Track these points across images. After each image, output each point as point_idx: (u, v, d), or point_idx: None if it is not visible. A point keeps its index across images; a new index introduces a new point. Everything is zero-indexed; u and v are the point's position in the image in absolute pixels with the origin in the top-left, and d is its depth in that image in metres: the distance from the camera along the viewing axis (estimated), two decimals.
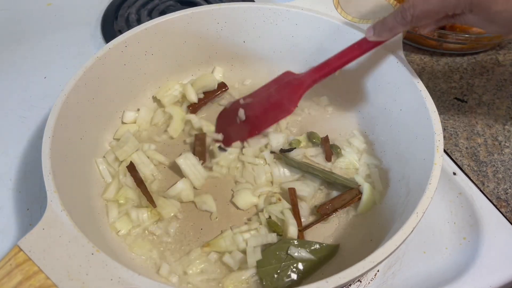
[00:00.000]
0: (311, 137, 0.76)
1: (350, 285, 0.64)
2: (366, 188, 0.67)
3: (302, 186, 0.69)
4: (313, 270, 0.61)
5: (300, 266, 0.60)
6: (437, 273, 0.65)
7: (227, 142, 0.75)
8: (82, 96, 0.67)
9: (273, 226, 0.64)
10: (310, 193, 0.69)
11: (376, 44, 0.69)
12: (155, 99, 0.81)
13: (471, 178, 0.75)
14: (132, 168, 0.70)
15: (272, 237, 0.63)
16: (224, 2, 1.04)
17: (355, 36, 0.74)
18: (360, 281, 0.64)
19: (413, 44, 0.98)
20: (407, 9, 0.60)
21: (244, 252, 0.62)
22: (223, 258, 0.61)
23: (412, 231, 0.51)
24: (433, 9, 0.58)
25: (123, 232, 0.64)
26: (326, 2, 0.78)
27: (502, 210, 0.72)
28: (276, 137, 0.75)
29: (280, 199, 0.68)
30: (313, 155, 0.74)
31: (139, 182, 0.68)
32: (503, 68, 0.95)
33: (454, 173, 0.74)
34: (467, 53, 0.97)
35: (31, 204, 0.72)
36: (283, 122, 0.78)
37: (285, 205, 0.67)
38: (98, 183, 0.69)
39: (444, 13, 0.59)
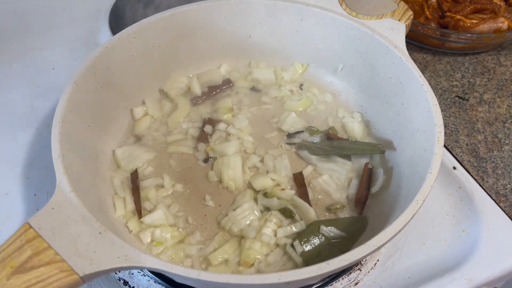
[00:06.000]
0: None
1: (350, 273, 0.65)
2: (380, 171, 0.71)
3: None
4: (351, 243, 0.63)
5: (336, 243, 0.62)
6: (436, 264, 0.66)
7: None
8: (91, 84, 0.68)
9: (286, 211, 0.66)
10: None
11: None
12: (161, 91, 0.82)
13: (471, 173, 0.76)
14: (134, 177, 0.70)
15: (299, 225, 0.65)
16: None
17: (359, 31, 0.75)
18: (360, 270, 0.65)
19: (416, 43, 1.00)
20: None
21: (276, 245, 0.63)
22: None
23: (412, 217, 0.52)
24: None
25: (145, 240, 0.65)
26: None
27: (501, 204, 0.73)
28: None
29: (283, 189, 0.69)
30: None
31: (135, 191, 0.69)
32: (504, 68, 0.96)
33: (454, 168, 0.76)
34: (469, 52, 0.98)
35: (38, 190, 0.73)
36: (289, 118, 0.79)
37: (291, 192, 0.68)
38: (104, 169, 0.71)
39: None
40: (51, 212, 0.51)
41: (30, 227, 0.49)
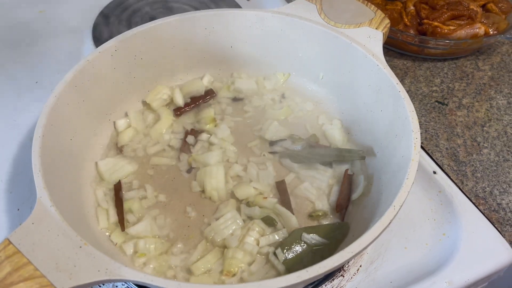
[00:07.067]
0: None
1: (333, 279, 0.65)
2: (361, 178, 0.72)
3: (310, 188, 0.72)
4: (333, 249, 0.63)
5: (318, 249, 0.63)
6: (418, 268, 0.67)
7: None
8: (72, 98, 0.69)
9: (268, 219, 0.66)
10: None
11: None
12: (144, 103, 0.83)
13: (451, 177, 0.77)
14: (118, 188, 0.71)
15: (282, 233, 0.65)
16: (212, 8, 1.08)
17: (338, 40, 0.77)
18: (343, 276, 0.66)
19: (396, 50, 1.02)
20: None
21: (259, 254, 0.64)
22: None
23: (389, 223, 0.53)
24: None
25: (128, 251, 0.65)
26: (310, 8, 0.81)
27: (480, 207, 0.74)
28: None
29: (265, 198, 0.69)
30: None
31: (118, 202, 0.69)
32: (482, 72, 0.98)
33: (435, 172, 0.77)
34: (447, 58, 1.00)
35: (21, 205, 0.73)
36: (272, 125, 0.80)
37: (273, 201, 0.69)
38: (88, 182, 0.71)
39: None
40: (31, 227, 0.51)
41: (10, 243, 0.49)
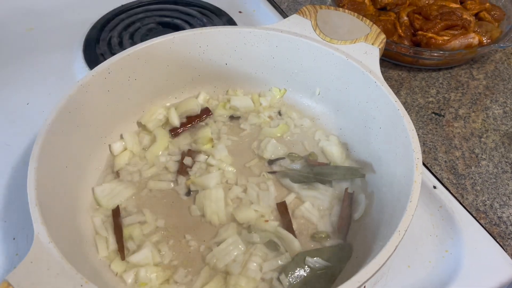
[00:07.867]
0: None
1: None
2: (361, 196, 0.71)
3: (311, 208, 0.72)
4: (337, 272, 0.62)
5: (322, 273, 0.62)
6: (422, 286, 0.66)
7: None
8: (66, 124, 0.67)
9: (271, 244, 0.66)
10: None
11: None
12: (139, 124, 0.81)
13: (451, 191, 0.77)
14: (116, 214, 0.70)
15: (285, 257, 0.65)
16: (205, 21, 1.06)
17: (334, 57, 0.76)
18: None
19: (391, 61, 1.01)
20: None
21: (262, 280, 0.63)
22: None
23: (395, 249, 0.53)
24: None
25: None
26: (305, 24, 0.80)
27: (481, 221, 0.74)
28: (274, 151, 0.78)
29: (267, 220, 0.69)
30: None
31: (117, 229, 0.68)
32: (477, 81, 0.98)
33: (435, 187, 0.76)
34: (442, 68, 1.00)
35: (17, 233, 0.71)
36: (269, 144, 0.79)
37: (274, 224, 0.68)
38: (84, 209, 0.69)
39: None
40: (30, 267, 0.50)
41: (9, 284, 0.48)
